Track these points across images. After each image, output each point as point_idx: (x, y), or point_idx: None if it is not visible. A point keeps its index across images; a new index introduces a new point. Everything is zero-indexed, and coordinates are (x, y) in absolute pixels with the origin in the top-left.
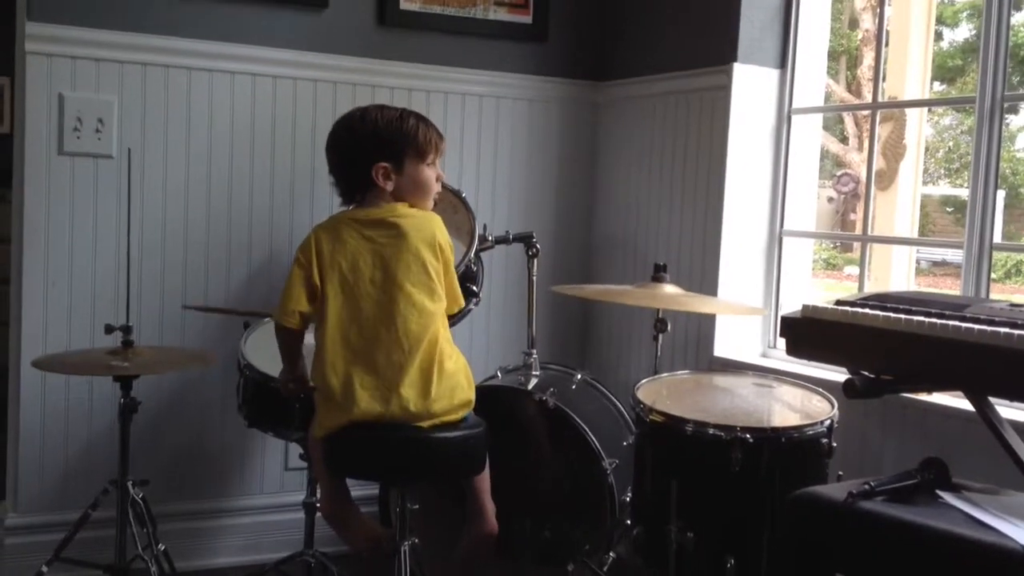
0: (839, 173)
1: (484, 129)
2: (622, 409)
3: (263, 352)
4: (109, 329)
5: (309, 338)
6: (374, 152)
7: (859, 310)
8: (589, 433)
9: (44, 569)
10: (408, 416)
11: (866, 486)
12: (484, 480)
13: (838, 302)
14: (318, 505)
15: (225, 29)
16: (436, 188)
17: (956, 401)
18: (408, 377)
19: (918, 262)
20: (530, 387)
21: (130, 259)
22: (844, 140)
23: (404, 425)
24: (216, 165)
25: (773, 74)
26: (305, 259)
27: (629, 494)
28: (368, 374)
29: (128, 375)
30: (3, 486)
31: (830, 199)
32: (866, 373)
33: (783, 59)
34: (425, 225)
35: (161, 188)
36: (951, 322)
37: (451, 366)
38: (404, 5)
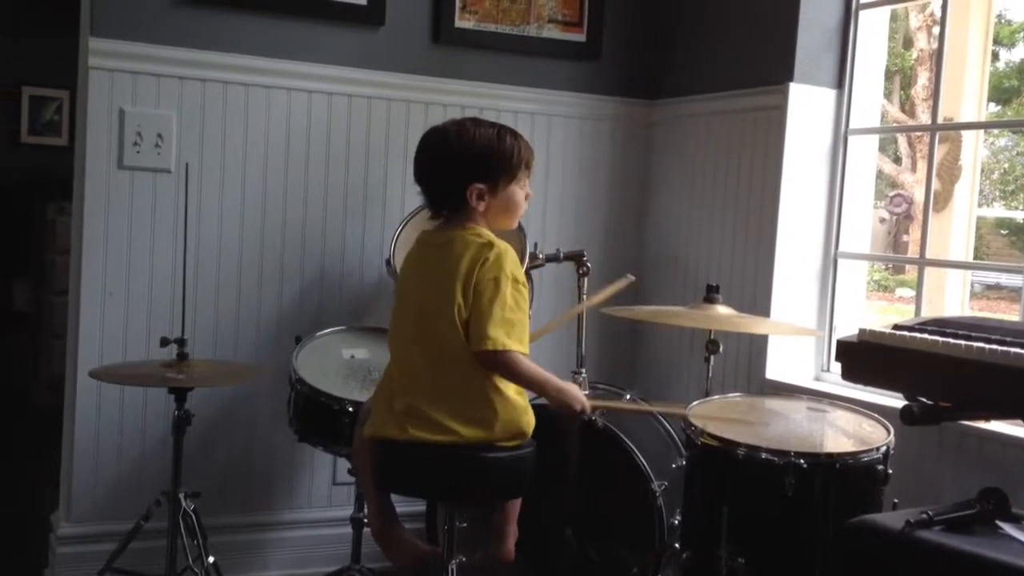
0: (892, 194)
1: (536, 147)
2: (671, 431)
3: (314, 366)
4: (164, 342)
5: (360, 353)
6: (471, 172)
7: (917, 335)
8: (638, 454)
9: None
10: (387, 434)
11: (924, 515)
12: (515, 504)
13: (895, 326)
14: (366, 521)
15: (282, 46)
16: (524, 207)
17: (1015, 429)
18: (412, 400)
19: (972, 285)
20: None
21: (186, 273)
22: (897, 160)
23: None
24: (271, 181)
25: (830, 94)
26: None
27: (678, 517)
28: (386, 392)
29: (183, 387)
30: (57, 496)
31: (882, 220)
32: (923, 399)
33: (840, 79)
34: (479, 262)
35: (217, 203)
36: (1012, 349)
37: (460, 395)
38: (459, 23)
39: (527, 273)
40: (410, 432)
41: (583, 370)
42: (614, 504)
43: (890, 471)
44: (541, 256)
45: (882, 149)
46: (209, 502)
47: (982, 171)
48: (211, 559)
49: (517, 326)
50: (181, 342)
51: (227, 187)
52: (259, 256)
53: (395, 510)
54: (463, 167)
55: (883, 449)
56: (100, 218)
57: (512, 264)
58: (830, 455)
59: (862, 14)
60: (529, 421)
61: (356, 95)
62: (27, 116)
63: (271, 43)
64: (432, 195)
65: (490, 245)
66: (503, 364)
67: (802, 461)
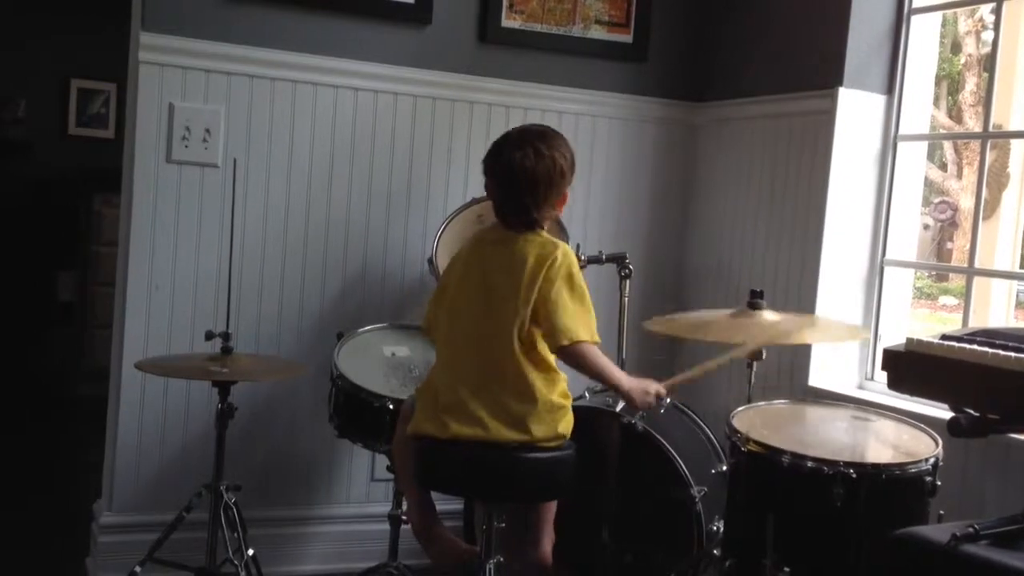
0: (936, 200)
1: (580, 148)
2: (711, 436)
3: (356, 363)
4: (209, 335)
5: (401, 351)
6: (567, 182)
7: (966, 346)
8: (678, 459)
9: (137, 569)
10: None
11: (970, 529)
12: (550, 508)
13: (944, 336)
14: (403, 517)
15: (330, 44)
16: None
17: None
18: (460, 397)
19: (1017, 294)
20: (618, 409)
21: (231, 267)
22: (943, 167)
23: (484, 441)
24: (316, 177)
25: (879, 100)
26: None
27: (716, 523)
28: (431, 389)
29: (227, 381)
30: (99, 485)
31: (926, 226)
32: (970, 411)
33: (890, 84)
34: (548, 259)
35: (263, 199)
36: None
37: (512, 391)
38: (506, 23)
39: None
40: (450, 428)
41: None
42: (652, 508)
43: (938, 483)
44: (583, 257)
45: (928, 155)
46: (249, 495)
47: None
48: (250, 552)
49: (589, 318)
50: (226, 336)
51: (273, 183)
52: (303, 252)
53: (435, 507)
54: (567, 179)
55: (932, 461)
56: (147, 211)
57: (576, 264)
58: (878, 465)
59: (913, 19)
60: (568, 423)
61: (402, 93)
62: (75, 108)
63: (319, 40)
64: (528, 210)
65: (555, 244)
66: (578, 354)
67: (851, 471)
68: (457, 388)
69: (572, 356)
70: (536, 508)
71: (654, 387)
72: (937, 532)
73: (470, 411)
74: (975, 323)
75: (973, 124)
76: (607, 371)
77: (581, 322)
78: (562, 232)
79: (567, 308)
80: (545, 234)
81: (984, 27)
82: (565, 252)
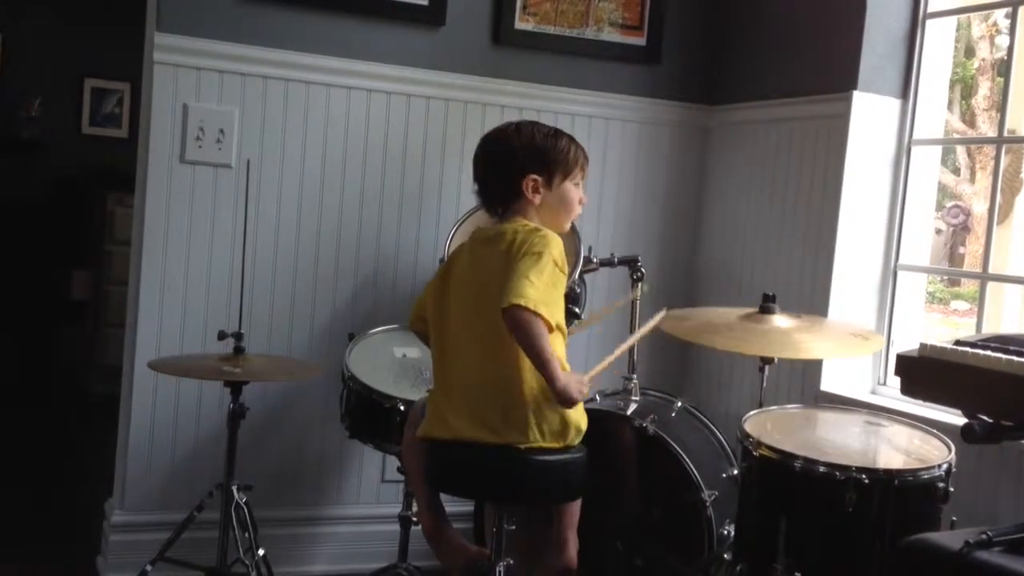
0: (949, 205)
1: (593, 150)
2: (722, 440)
3: (366, 364)
4: (222, 336)
5: (412, 352)
6: (528, 164)
7: (980, 352)
8: (689, 463)
9: (148, 568)
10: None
11: (983, 535)
12: (572, 511)
13: (957, 342)
14: (414, 519)
15: (343, 45)
16: (578, 210)
17: None
18: (460, 399)
19: None
20: (629, 412)
21: (244, 268)
22: (956, 171)
23: (489, 443)
24: (329, 178)
25: (894, 104)
26: (438, 272)
27: (727, 527)
28: (436, 392)
29: (239, 381)
30: (111, 484)
31: (938, 231)
32: (984, 417)
33: (905, 89)
34: (527, 242)
35: (276, 200)
36: None
37: (511, 395)
38: (519, 25)
39: (580, 277)
40: (454, 430)
41: (634, 376)
42: (663, 512)
43: (951, 489)
44: (595, 260)
45: (940, 159)
46: (259, 494)
47: None
48: (261, 552)
49: (550, 302)
50: (238, 336)
51: (285, 184)
52: (315, 253)
53: (444, 509)
54: (520, 159)
55: (944, 467)
56: (161, 211)
57: (558, 249)
58: (890, 471)
59: (928, 23)
60: (577, 423)
61: (415, 95)
62: (88, 107)
63: (332, 41)
64: (489, 190)
65: (538, 230)
66: (526, 323)
67: (863, 476)
68: (459, 389)
69: (515, 322)
70: (561, 512)
71: (585, 378)
72: (949, 539)
73: (472, 412)
74: (988, 328)
75: (986, 128)
76: (545, 354)
77: (538, 294)
78: (574, 234)
79: (525, 276)
80: (528, 222)
81: (998, 31)
82: (546, 235)
